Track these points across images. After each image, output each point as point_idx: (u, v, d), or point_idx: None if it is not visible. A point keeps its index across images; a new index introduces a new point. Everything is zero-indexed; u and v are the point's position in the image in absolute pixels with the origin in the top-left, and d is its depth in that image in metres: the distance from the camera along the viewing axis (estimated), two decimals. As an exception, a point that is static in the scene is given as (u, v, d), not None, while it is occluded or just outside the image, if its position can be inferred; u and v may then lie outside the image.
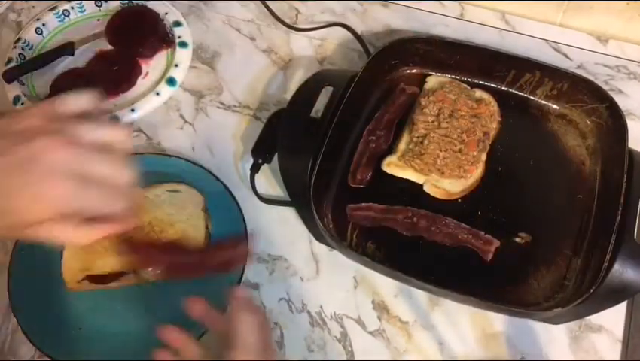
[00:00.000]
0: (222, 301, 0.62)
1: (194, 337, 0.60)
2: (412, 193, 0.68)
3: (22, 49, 0.83)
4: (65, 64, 0.83)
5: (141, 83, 0.82)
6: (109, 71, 0.81)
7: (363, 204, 0.67)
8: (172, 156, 0.72)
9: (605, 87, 0.69)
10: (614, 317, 0.61)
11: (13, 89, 0.79)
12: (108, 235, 0.43)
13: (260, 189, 0.70)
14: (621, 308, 0.62)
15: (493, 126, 0.71)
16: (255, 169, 0.71)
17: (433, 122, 0.69)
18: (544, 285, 0.62)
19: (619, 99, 0.67)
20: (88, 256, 0.63)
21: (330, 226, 0.66)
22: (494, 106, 0.72)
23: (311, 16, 0.87)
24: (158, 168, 0.71)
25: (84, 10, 0.88)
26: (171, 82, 0.79)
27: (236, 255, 0.58)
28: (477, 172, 0.68)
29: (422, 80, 0.76)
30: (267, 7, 0.85)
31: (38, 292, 0.64)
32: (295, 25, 0.85)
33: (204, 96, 0.80)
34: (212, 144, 0.76)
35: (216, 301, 0.63)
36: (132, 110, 0.77)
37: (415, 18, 0.85)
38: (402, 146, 0.70)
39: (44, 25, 0.86)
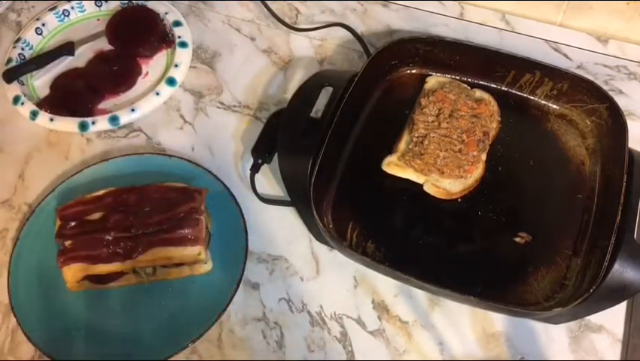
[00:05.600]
0: (222, 301, 0.63)
1: (194, 336, 0.61)
2: (412, 193, 0.68)
3: (22, 49, 0.83)
4: (65, 64, 0.83)
5: (141, 83, 0.82)
6: (109, 71, 0.81)
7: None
8: (172, 156, 0.72)
9: (605, 87, 0.69)
10: (614, 317, 0.61)
11: (13, 89, 0.79)
12: None
13: (260, 189, 0.70)
14: (621, 308, 0.62)
15: (493, 126, 0.71)
16: (255, 169, 0.71)
17: (433, 122, 0.69)
18: (544, 285, 0.62)
19: (619, 99, 0.67)
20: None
21: (330, 226, 0.66)
22: (494, 106, 0.72)
23: (311, 16, 0.87)
24: (158, 168, 0.71)
25: (84, 10, 0.88)
26: (171, 82, 0.79)
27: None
28: (477, 172, 0.68)
29: (421, 80, 0.76)
30: (267, 7, 0.85)
31: (38, 292, 0.64)
32: (295, 25, 0.85)
33: (204, 96, 0.80)
34: (212, 144, 0.76)
35: (216, 300, 0.63)
36: (132, 110, 0.77)
37: (415, 18, 0.85)
38: (402, 146, 0.70)
39: (44, 25, 0.86)
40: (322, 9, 0.87)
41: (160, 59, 0.84)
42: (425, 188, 0.68)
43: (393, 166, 0.69)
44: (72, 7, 0.87)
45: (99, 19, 0.88)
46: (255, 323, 0.63)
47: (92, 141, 0.77)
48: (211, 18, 0.88)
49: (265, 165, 0.72)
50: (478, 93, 0.73)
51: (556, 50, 0.81)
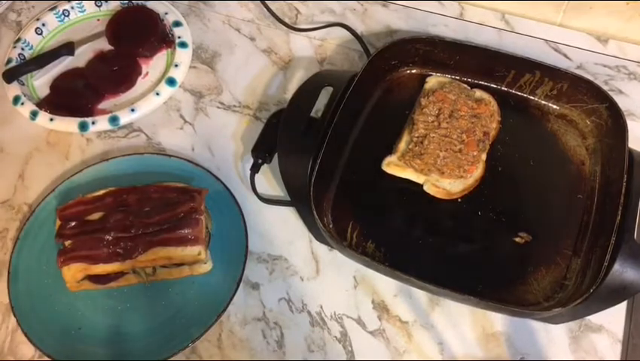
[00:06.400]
0: (222, 301, 0.63)
1: (194, 336, 0.61)
2: (412, 193, 0.68)
3: (22, 49, 0.83)
4: (65, 64, 0.83)
5: (141, 83, 0.82)
6: (109, 71, 0.81)
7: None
8: (172, 156, 0.72)
9: (605, 87, 0.69)
10: (614, 317, 0.61)
11: (13, 89, 0.79)
12: None
13: (260, 189, 0.70)
14: (621, 308, 0.62)
15: (493, 126, 0.71)
16: (255, 169, 0.71)
17: (433, 122, 0.69)
18: (544, 285, 0.62)
19: (619, 99, 0.67)
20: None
21: (330, 226, 0.66)
22: (494, 106, 0.72)
23: (311, 16, 0.87)
24: (158, 168, 0.71)
25: (84, 10, 0.88)
26: (171, 82, 0.79)
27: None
28: (477, 172, 0.68)
29: (421, 80, 0.76)
30: (267, 7, 0.85)
31: (38, 292, 0.64)
32: (295, 25, 0.85)
33: (204, 96, 0.80)
34: (212, 144, 0.76)
35: (216, 300, 0.63)
36: (132, 110, 0.77)
37: (415, 18, 0.85)
38: (402, 146, 0.70)
39: (44, 25, 0.86)
40: (322, 9, 0.87)
41: (160, 59, 0.84)
42: (425, 188, 0.68)
43: (393, 166, 0.69)
44: (72, 7, 0.87)
45: (99, 19, 0.88)
46: (255, 323, 0.63)
47: (92, 141, 0.77)
48: (211, 18, 0.88)
49: (265, 165, 0.72)
50: (478, 93, 0.73)
51: (556, 50, 0.81)
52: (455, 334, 0.62)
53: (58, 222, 0.65)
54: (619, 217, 0.58)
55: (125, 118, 0.77)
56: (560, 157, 0.70)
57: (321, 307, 0.64)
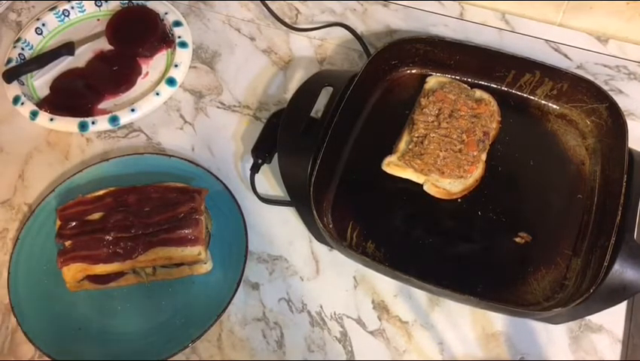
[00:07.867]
0: (222, 301, 0.63)
1: (194, 336, 0.61)
2: (412, 193, 0.68)
3: (22, 49, 0.83)
4: (65, 64, 0.83)
5: (141, 83, 0.82)
6: (109, 71, 0.81)
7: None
8: (172, 156, 0.72)
9: (605, 87, 0.69)
10: (614, 317, 0.61)
11: (13, 89, 0.79)
12: None
13: (260, 189, 0.70)
14: (621, 308, 0.62)
15: (493, 126, 0.71)
16: (255, 169, 0.71)
17: (433, 122, 0.69)
18: (544, 285, 0.62)
19: (619, 99, 0.67)
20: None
21: (330, 226, 0.66)
22: (494, 106, 0.72)
23: (311, 16, 0.87)
24: (158, 168, 0.71)
25: (84, 10, 0.88)
26: (171, 82, 0.79)
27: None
28: (477, 172, 0.68)
29: (421, 80, 0.76)
30: (267, 7, 0.85)
31: (38, 292, 0.64)
32: (295, 25, 0.85)
33: (204, 96, 0.80)
34: (212, 144, 0.76)
35: (216, 300, 0.63)
36: (132, 110, 0.77)
37: (415, 18, 0.85)
38: (402, 146, 0.70)
39: (44, 25, 0.86)
40: (322, 9, 0.87)
41: (159, 59, 0.84)
42: (425, 188, 0.68)
43: (393, 166, 0.69)
44: (72, 7, 0.88)
45: (99, 19, 0.88)
46: (255, 323, 0.63)
47: (92, 141, 0.77)
48: (211, 18, 0.88)
49: (265, 165, 0.72)
50: (478, 93, 0.73)
51: (556, 50, 0.81)
52: (455, 334, 0.62)
53: (58, 223, 0.65)
54: (619, 217, 0.58)
55: (125, 118, 0.77)
56: (560, 157, 0.70)
57: (321, 307, 0.64)
